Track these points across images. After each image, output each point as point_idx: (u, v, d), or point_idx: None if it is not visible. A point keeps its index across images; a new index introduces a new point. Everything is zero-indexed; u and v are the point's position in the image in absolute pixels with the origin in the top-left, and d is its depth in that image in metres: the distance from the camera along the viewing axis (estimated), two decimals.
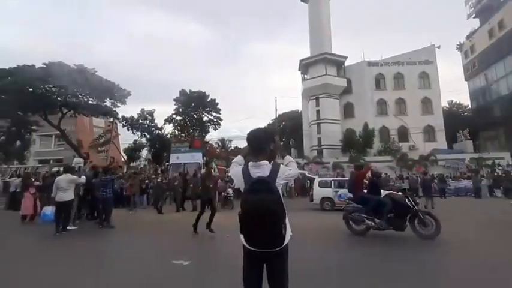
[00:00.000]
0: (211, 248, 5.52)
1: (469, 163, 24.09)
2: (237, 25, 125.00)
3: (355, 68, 32.09)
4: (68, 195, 6.46)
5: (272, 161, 1.82)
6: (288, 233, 1.69)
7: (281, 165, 1.83)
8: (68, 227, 6.63)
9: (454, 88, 74.18)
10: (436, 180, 19.28)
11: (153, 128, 29.60)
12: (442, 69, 32.43)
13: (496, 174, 19.25)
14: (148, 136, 29.36)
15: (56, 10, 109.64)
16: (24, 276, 3.75)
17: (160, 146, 29.12)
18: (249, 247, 1.66)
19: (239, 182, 1.80)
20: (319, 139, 29.85)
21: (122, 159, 27.76)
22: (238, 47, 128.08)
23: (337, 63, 31.72)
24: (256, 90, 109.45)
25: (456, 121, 32.91)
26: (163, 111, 52.66)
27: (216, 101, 30.15)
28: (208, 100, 29.88)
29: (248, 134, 1.93)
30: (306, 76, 33.44)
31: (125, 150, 30.96)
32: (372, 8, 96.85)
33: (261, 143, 1.84)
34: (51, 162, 26.85)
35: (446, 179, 19.27)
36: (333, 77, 30.98)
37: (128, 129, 27.41)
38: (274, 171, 1.73)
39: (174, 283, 3.47)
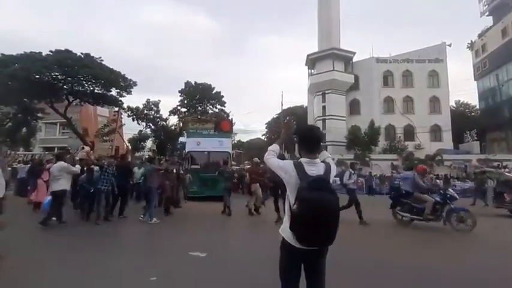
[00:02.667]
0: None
1: (477, 164, 23.83)
2: (245, 18, 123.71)
3: (363, 64, 31.63)
4: (58, 185, 6.00)
5: (323, 160, 1.89)
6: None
7: (332, 164, 1.87)
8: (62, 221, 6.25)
9: (462, 88, 73.13)
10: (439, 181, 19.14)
11: (158, 119, 29.59)
12: (451, 67, 31.83)
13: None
14: (153, 127, 29.39)
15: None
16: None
17: (164, 137, 29.15)
18: (295, 245, 1.64)
19: (290, 177, 1.74)
20: (324, 135, 29.68)
21: (128, 149, 27.82)
22: (245, 40, 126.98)
23: (345, 58, 31.28)
24: (262, 84, 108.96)
25: (463, 121, 32.51)
26: (169, 102, 52.75)
27: (221, 94, 29.98)
28: (213, 92, 29.68)
29: (306, 130, 1.97)
30: (312, 71, 33.05)
31: (130, 141, 31.04)
32: (382, 3, 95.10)
33: (319, 141, 1.87)
34: (55, 150, 27.01)
35: (452, 179, 19.15)
36: (341, 73, 30.60)
37: (133, 120, 27.42)
38: (328, 170, 1.77)
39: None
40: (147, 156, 14.10)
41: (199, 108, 29.88)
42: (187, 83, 29.80)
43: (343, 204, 6.98)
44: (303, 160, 1.78)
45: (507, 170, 21.32)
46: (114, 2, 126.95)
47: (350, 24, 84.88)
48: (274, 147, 1.98)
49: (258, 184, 8.39)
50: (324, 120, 30.49)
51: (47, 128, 33.07)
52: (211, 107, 30.32)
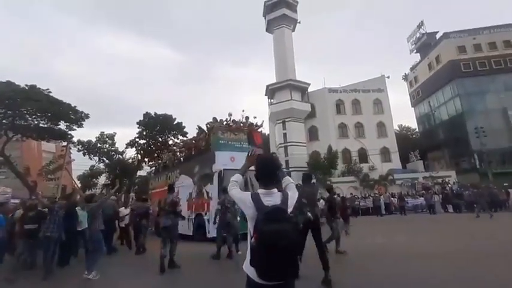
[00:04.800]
0: None
1: (425, 181, 26.27)
2: (207, 49, 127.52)
3: (318, 94, 34.14)
4: None
5: (283, 188, 1.80)
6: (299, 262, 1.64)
7: (289, 193, 1.78)
8: None
9: (402, 113, 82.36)
10: (394, 199, 20.68)
11: (113, 153, 27.76)
12: (392, 96, 35.95)
13: (445, 191, 21.14)
14: (107, 161, 27.38)
15: (14, 27, 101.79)
16: None
17: (120, 172, 27.23)
18: (259, 281, 1.53)
19: (248, 209, 1.68)
20: (286, 161, 30.42)
21: (75, 187, 25.25)
22: (208, 71, 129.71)
23: (301, 89, 33.51)
24: (224, 113, 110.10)
25: (407, 143, 36.21)
26: (126, 135, 50.01)
27: (183, 124, 29.56)
28: (174, 123, 29.15)
29: (259, 162, 1.87)
30: (272, 101, 34.61)
31: (79, 178, 28.35)
32: (329, 41, 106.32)
33: (274, 172, 1.81)
34: None
35: (405, 197, 20.74)
36: (298, 102, 32.51)
37: (84, 154, 25.32)
38: (285, 199, 1.69)
39: None
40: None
41: (159, 139, 28.94)
42: (146, 114, 28.90)
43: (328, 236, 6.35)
44: (260, 191, 1.74)
45: (449, 185, 23.99)
46: (70, 30, 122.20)
47: (304, 57, 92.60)
48: (237, 177, 1.90)
49: None
50: (285, 147, 31.50)
51: None
52: (172, 137, 29.59)
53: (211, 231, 8.34)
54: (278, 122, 33.07)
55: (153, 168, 17.68)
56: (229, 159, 9.46)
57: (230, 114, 11.41)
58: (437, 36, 35.41)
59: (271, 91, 34.16)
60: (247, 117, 11.70)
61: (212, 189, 9.33)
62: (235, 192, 1.83)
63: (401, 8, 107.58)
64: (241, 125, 11.20)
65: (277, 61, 35.92)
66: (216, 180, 9.16)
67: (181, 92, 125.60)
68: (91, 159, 26.28)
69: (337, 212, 6.98)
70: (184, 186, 10.84)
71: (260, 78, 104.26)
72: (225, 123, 11.13)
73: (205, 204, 9.65)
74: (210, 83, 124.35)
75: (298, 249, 1.53)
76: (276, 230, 1.47)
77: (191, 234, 9.98)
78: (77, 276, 5.17)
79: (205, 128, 11.76)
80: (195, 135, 13.11)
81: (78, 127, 20.19)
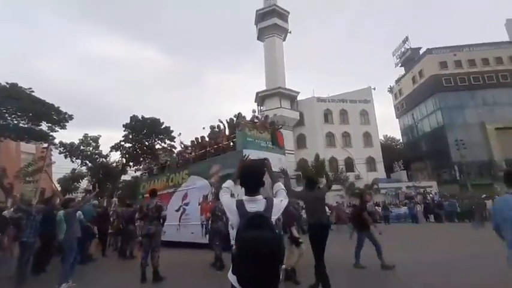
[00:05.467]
0: None
1: (408, 191, 26.94)
2: (197, 54, 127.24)
3: (306, 102, 34.66)
4: None
5: (266, 196, 1.75)
6: (281, 272, 1.59)
7: (274, 199, 1.75)
8: None
9: (388, 124, 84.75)
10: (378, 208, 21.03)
11: (96, 156, 26.95)
12: (378, 107, 37.03)
13: (427, 201, 21.73)
14: (90, 164, 26.52)
15: None
16: None
17: (103, 176, 26.41)
18: None
19: (233, 216, 1.67)
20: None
21: (56, 190, 24.22)
22: (197, 76, 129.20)
23: (291, 97, 33.93)
24: (214, 119, 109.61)
25: (391, 153, 37.18)
26: (111, 138, 48.78)
27: (171, 129, 29.19)
28: (162, 127, 28.73)
29: (242, 169, 1.84)
30: (262, 108, 34.80)
31: (60, 181, 27.25)
32: (319, 51, 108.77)
33: (257, 179, 1.78)
34: None
35: (389, 206, 21.12)
36: (287, 110, 32.83)
37: (66, 157, 24.45)
38: (269, 206, 1.66)
39: None
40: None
41: (146, 143, 28.42)
42: (133, 117, 28.38)
43: None
44: (244, 198, 1.73)
45: (431, 195, 24.70)
46: (57, 30, 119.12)
47: (294, 66, 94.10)
48: (228, 184, 1.90)
49: None
50: None
51: None
52: (159, 142, 29.11)
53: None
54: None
55: (145, 171, 15.81)
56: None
57: (254, 111, 10.84)
58: (421, 51, 37.01)
59: (261, 98, 34.39)
60: (266, 116, 11.15)
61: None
62: (225, 198, 1.82)
63: (388, 23, 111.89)
64: (264, 122, 10.29)
65: (267, 69, 36.32)
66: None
67: (169, 96, 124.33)
68: (73, 162, 25.41)
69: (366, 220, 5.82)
70: (196, 188, 9.89)
71: (250, 85, 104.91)
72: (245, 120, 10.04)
73: None
74: (199, 88, 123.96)
75: (279, 258, 1.44)
76: (255, 237, 1.43)
77: (206, 242, 8.46)
78: (53, 285, 4.82)
79: (224, 124, 10.58)
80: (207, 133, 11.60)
81: (60, 128, 19.62)
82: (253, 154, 8.22)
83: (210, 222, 6.61)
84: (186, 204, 10.20)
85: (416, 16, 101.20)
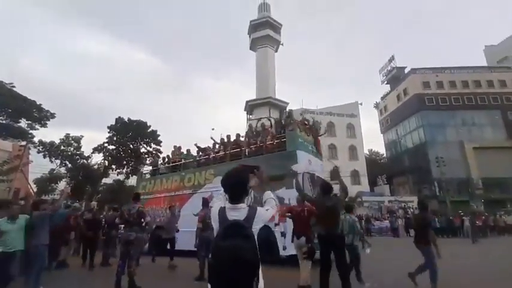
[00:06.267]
0: None
1: (390, 204, 27.47)
2: (188, 59, 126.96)
3: (295, 113, 34.94)
4: None
5: (249, 205, 1.72)
6: (261, 285, 1.52)
7: (258, 208, 1.72)
8: None
9: (372, 138, 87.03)
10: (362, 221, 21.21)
11: (77, 157, 26.04)
12: (364, 122, 38.03)
13: (408, 216, 22.20)
14: (69, 165, 25.56)
15: None
16: None
17: (83, 178, 25.47)
18: None
19: (215, 224, 1.65)
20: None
21: (30, 191, 23.09)
22: (187, 81, 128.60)
23: (280, 107, 34.28)
24: (202, 124, 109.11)
25: (375, 167, 38.02)
26: (94, 139, 47.33)
27: (158, 133, 28.74)
28: (148, 131, 28.25)
29: (224, 177, 1.80)
30: (251, 116, 34.95)
31: (36, 182, 26.03)
32: (310, 64, 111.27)
33: (239, 187, 1.74)
34: None
35: (370, 219, 21.42)
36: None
37: (45, 156, 23.48)
38: (251, 215, 1.63)
39: None
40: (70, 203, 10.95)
41: (130, 146, 27.79)
42: (118, 119, 27.79)
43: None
44: (227, 205, 1.70)
45: (411, 209, 25.26)
46: (43, 28, 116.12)
47: (284, 76, 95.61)
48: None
49: None
50: None
51: None
52: (144, 145, 28.55)
53: (288, 246, 6.66)
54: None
55: (150, 170, 13.37)
56: (308, 162, 8.32)
57: (304, 112, 10.20)
58: (406, 70, 38.56)
59: (251, 107, 34.59)
60: (316, 121, 10.49)
61: (289, 194, 7.36)
62: (215, 205, 1.79)
63: (376, 41, 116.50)
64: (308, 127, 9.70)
65: (258, 78, 36.71)
66: (296, 184, 7.05)
67: (157, 100, 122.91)
68: (52, 162, 24.45)
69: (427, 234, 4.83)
70: None
71: (239, 93, 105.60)
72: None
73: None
74: (189, 93, 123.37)
75: (252, 269, 1.38)
76: (229, 246, 1.39)
77: None
78: None
79: (271, 122, 9.85)
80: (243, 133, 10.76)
81: (41, 126, 18.98)
82: (303, 156, 8.12)
83: (200, 230, 6.20)
84: None
85: (402, 37, 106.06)
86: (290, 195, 7.19)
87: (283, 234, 7.21)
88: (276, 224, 7.40)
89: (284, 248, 7.09)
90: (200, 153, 11.20)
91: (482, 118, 32.77)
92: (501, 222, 18.67)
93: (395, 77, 40.07)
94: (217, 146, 10.72)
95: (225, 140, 10.39)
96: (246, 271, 1.38)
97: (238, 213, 1.63)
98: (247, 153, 9.35)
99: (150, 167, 12.98)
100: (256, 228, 1.63)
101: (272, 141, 8.92)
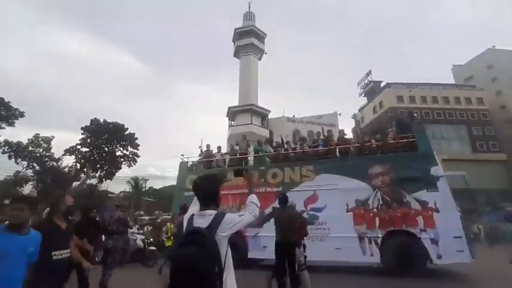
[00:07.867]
0: None
1: None
2: (171, 64, 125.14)
3: (277, 121, 35.55)
4: None
5: (218, 211, 1.65)
6: None
7: (227, 214, 1.64)
8: None
9: None
10: None
11: (46, 159, 24.50)
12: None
13: None
14: (37, 168, 23.95)
15: None
16: None
17: (52, 181, 23.91)
18: None
19: (185, 230, 1.61)
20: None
21: None
22: (168, 85, 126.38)
23: (262, 115, 34.62)
24: (182, 129, 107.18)
25: None
26: (66, 140, 44.84)
27: (135, 136, 27.80)
28: (126, 133, 27.25)
29: (193, 182, 1.76)
30: (233, 122, 34.91)
31: None
32: (292, 74, 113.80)
33: (205, 194, 1.70)
34: None
35: None
36: (258, 127, 33.30)
37: (10, 157, 21.87)
38: (216, 222, 1.55)
39: None
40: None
41: (105, 149, 26.62)
42: (94, 120, 26.64)
43: None
44: (196, 212, 1.67)
45: None
46: (16, 19, 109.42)
47: (266, 85, 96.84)
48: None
49: None
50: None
51: None
52: (121, 148, 27.47)
53: (445, 254, 6.37)
54: (237, 144, 33.18)
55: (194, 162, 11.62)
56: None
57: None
58: (382, 84, 40.51)
59: (233, 113, 34.58)
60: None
61: (434, 198, 7.13)
62: (188, 212, 1.75)
63: (355, 56, 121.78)
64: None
65: (241, 85, 36.92)
66: (439, 188, 7.25)
67: (137, 103, 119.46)
68: (18, 163, 22.79)
69: None
70: (340, 190, 8.02)
71: (221, 99, 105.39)
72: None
73: (423, 217, 6.95)
74: (170, 98, 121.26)
75: (203, 278, 1.33)
76: (182, 254, 1.37)
77: (378, 261, 6.98)
78: None
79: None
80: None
81: (8, 125, 17.72)
82: (433, 160, 7.91)
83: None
84: (317, 210, 8.13)
85: (379, 53, 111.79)
86: (436, 199, 7.08)
87: (434, 242, 6.61)
88: (421, 230, 6.82)
89: (439, 257, 6.48)
90: (279, 148, 10.37)
91: (450, 132, 34.99)
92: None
93: (372, 90, 41.94)
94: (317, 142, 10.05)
95: (329, 136, 9.84)
96: (197, 280, 1.32)
97: (203, 220, 1.58)
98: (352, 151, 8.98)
99: (195, 159, 11.23)
100: (222, 235, 1.55)
101: (395, 142, 8.38)
